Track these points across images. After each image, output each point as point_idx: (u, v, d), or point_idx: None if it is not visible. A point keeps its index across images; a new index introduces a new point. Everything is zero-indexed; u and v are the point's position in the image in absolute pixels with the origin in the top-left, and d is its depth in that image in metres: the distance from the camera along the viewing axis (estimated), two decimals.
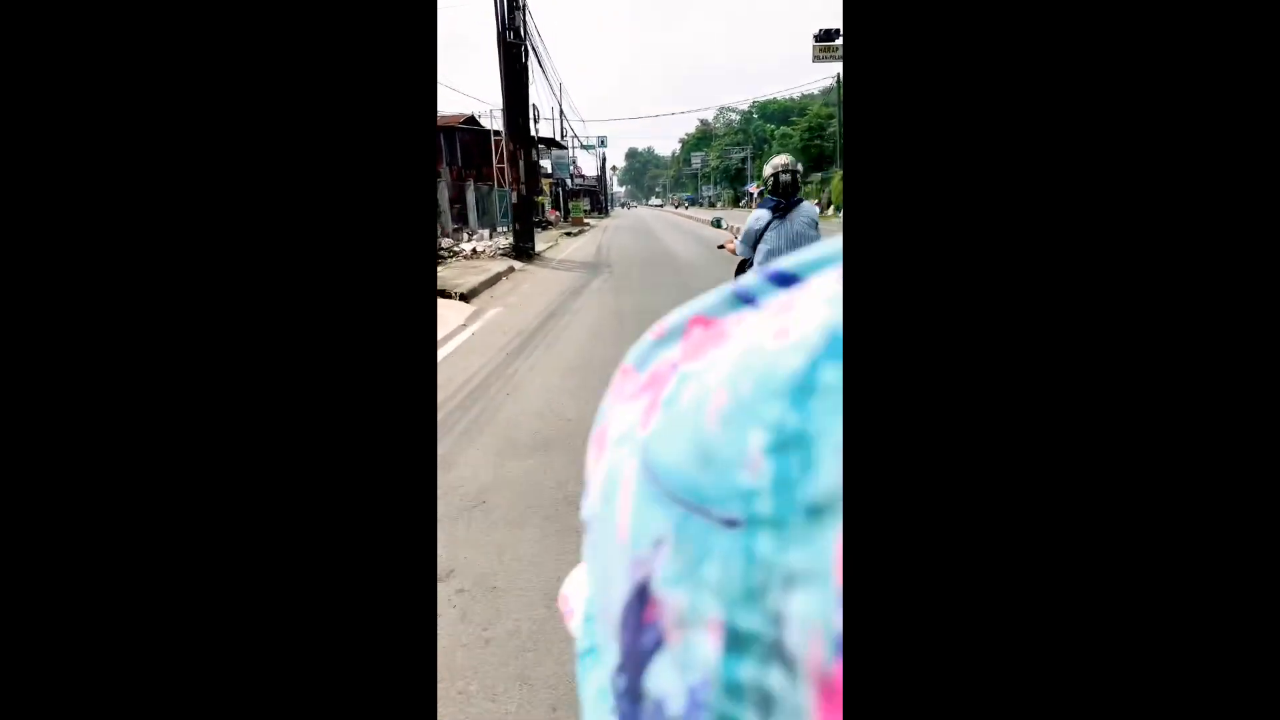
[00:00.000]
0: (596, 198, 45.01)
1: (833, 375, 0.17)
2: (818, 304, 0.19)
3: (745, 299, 0.23)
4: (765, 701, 0.16)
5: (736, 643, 0.17)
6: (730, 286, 0.24)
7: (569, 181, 35.93)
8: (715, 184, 63.71)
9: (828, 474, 0.16)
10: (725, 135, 69.65)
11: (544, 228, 26.22)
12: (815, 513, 0.16)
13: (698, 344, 0.23)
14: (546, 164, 31.98)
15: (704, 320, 0.24)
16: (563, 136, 34.85)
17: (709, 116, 78.80)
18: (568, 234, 23.23)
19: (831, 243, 0.23)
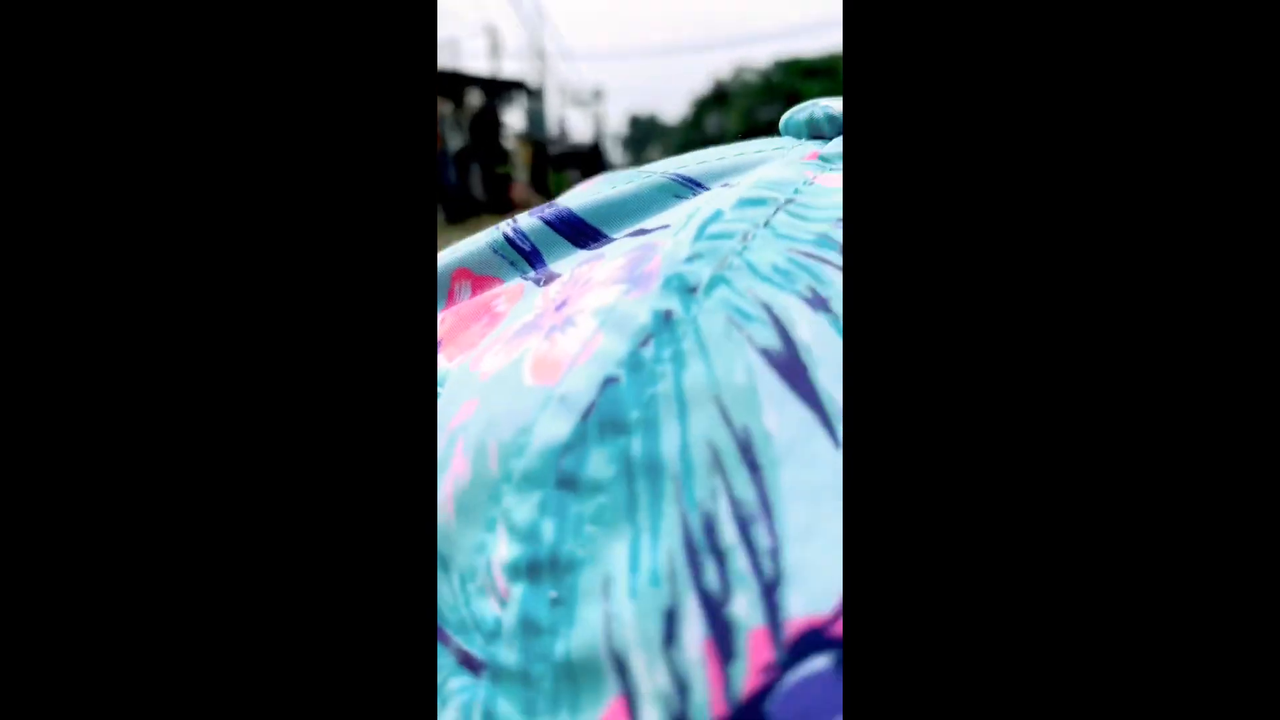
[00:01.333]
0: (591, 167, 35.22)
1: (602, 466, 0.13)
2: (595, 321, 0.14)
3: (523, 253, 0.18)
4: None
5: None
6: (504, 225, 0.19)
7: (550, 145, 26.02)
8: None
9: (590, 623, 0.12)
10: (746, 95, 59.57)
11: (501, 211, 16.94)
12: (570, 676, 0.12)
13: (460, 321, 0.17)
14: (516, 119, 22.32)
15: (471, 275, 0.18)
16: (542, 86, 25.03)
17: (724, 75, 68.61)
18: None
19: (644, 173, 0.18)
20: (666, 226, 0.17)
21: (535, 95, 23.16)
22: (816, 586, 0.12)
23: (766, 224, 0.15)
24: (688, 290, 0.14)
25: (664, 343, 0.14)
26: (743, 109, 55.07)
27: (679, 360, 0.14)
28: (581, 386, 0.14)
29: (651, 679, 0.12)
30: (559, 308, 0.16)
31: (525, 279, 0.18)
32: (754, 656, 0.12)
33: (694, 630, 0.12)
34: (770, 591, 0.12)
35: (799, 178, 0.16)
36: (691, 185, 0.18)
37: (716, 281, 0.14)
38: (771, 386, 0.13)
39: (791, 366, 0.13)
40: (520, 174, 19.98)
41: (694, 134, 75.67)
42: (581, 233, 0.17)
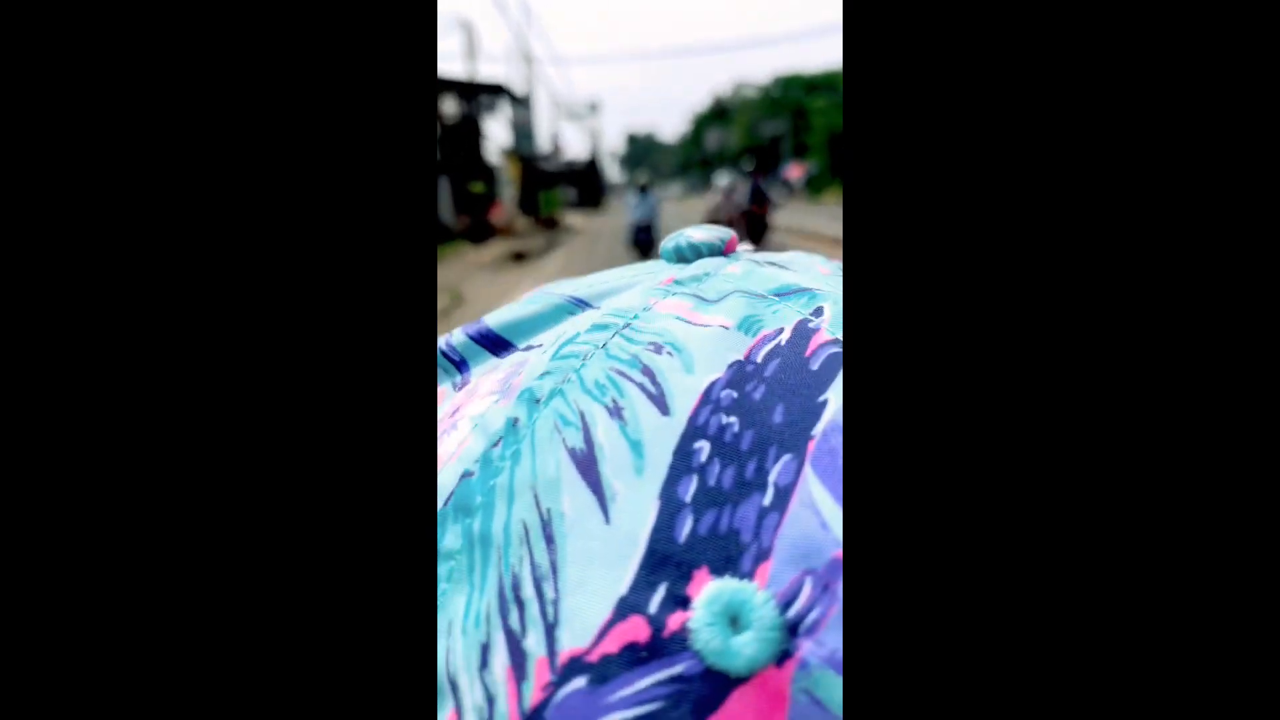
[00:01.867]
0: (588, 185, 32.46)
1: (454, 539, 0.17)
2: (470, 425, 0.19)
3: (454, 363, 0.22)
4: None
5: None
6: (441, 340, 0.23)
7: (541, 161, 23.18)
8: (737, 167, 50.78)
9: (439, 656, 0.17)
10: (747, 110, 57.03)
11: (479, 239, 14.24)
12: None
13: None
14: (500, 129, 19.66)
15: None
16: (529, 94, 22.35)
17: (724, 92, 66.27)
18: (517, 256, 10.98)
19: (548, 293, 0.22)
20: (541, 345, 0.21)
21: (522, 103, 20.45)
22: (580, 626, 0.16)
23: (604, 346, 0.19)
24: (534, 401, 0.19)
25: (509, 443, 0.18)
26: (745, 124, 52.59)
27: (516, 458, 0.18)
28: (448, 479, 0.18)
29: (471, 695, 0.16)
30: (453, 414, 0.20)
31: (453, 384, 0.22)
32: (538, 678, 0.16)
33: (500, 658, 0.16)
34: (551, 630, 0.16)
35: (641, 305, 0.20)
36: (581, 305, 0.21)
37: (554, 394, 0.19)
38: (571, 477, 0.17)
39: (588, 461, 0.17)
40: (505, 193, 17.25)
41: (693, 151, 73.25)
42: (498, 344, 0.21)
